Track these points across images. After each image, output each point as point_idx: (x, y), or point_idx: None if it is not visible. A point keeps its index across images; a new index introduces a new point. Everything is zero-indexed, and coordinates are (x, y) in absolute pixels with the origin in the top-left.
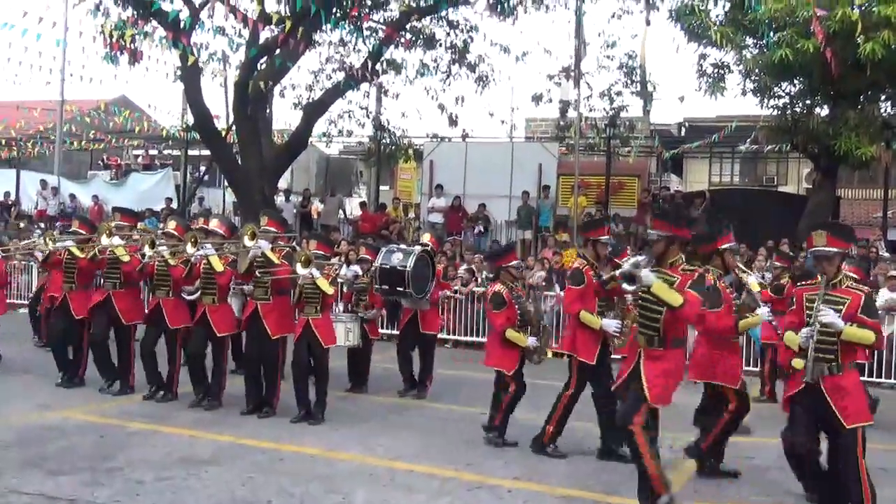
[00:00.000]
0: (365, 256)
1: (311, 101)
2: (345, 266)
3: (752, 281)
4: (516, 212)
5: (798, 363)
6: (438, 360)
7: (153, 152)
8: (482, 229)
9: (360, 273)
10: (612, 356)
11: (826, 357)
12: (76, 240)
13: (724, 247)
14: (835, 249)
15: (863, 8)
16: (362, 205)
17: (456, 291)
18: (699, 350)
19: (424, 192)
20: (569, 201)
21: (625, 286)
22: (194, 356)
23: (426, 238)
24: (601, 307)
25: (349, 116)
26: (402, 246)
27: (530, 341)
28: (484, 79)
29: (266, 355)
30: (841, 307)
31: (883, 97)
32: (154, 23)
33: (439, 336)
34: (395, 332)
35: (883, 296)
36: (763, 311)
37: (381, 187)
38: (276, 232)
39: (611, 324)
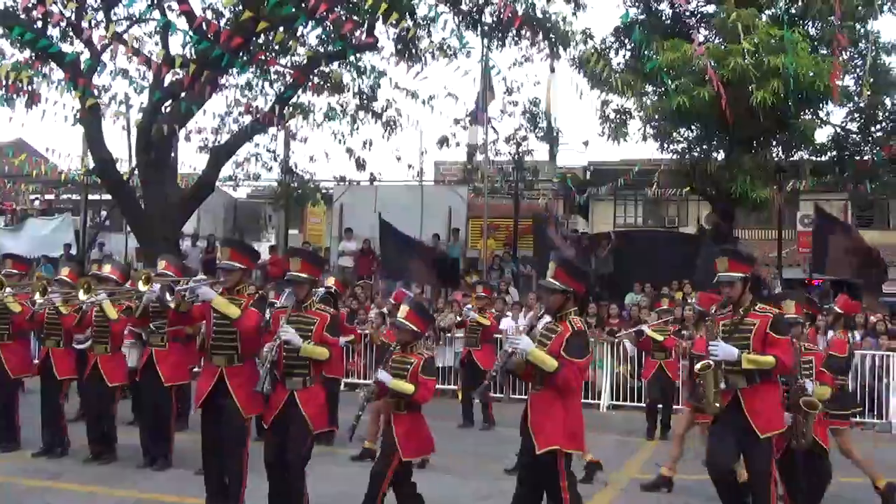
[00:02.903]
0: (274, 301)
1: (217, 144)
2: None
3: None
4: None
5: None
6: (344, 405)
7: (51, 197)
8: None
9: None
10: None
11: (296, 372)
12: None
13: None
14: (305, 275)
15: (754, 58)
16: (272, 248)
17: (365, 336)
18: None
19: (334, 235)
20: (478, 244)
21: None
22: (90, 411)
23: (330, 281)
24: None
25: (256, 160)
26: None
27: None
28: (391, 123)
29: (158, 403)
30: (312, 328)
31: (774, 142)
32: (53, 64)
33: (347, 380)
34: None
35: None
36: None
37: (291, 231)
38: (174, 276)
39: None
